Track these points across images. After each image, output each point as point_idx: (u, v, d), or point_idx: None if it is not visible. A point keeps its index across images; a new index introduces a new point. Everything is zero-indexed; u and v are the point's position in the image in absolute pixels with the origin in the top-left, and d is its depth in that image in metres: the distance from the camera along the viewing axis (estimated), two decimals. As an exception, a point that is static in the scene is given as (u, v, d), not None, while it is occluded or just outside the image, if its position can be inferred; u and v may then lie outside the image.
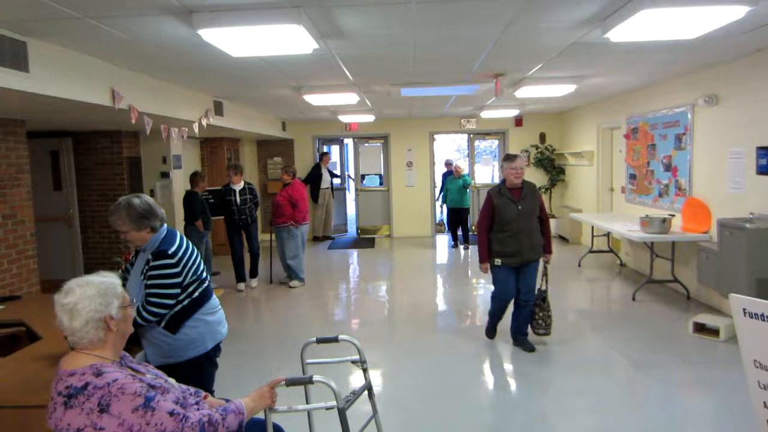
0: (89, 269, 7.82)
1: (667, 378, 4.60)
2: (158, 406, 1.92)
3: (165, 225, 3.07)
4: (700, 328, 5.48)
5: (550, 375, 4.70)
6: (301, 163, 12.67)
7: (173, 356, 3.01)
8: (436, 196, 12.69)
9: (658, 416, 3.94)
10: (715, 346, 5.21)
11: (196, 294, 3.04)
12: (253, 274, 8.20)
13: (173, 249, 2.95)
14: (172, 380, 2.29)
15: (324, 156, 12.49)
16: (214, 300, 3.20)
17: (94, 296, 2.00)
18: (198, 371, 3.09)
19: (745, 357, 1.93)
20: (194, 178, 7.88)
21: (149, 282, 2.91)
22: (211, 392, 3.11)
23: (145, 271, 2.94)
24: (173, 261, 2.92)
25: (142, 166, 8.57)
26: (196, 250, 3.16)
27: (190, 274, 3.00)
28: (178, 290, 2.95)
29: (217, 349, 3.21)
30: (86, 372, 1.92)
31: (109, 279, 2.11)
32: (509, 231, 4.98)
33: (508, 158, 5.03)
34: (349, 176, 13.75)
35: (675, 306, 6.54)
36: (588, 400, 4.22)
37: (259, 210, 8.89)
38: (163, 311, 2.92)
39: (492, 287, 5.28)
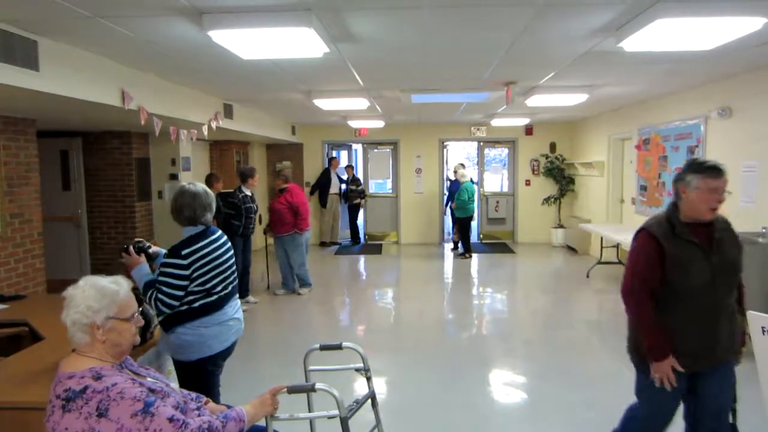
0: (96, 270, 7.83)
1: (676, 393, 4.52)
2: (158, 412, 1.89)
3: (200, 226, 3.09)
4: (710, 343, 5.39)
5: (557, 387, 4.63)
6: (310, 168, 12.69)
7: (166, 350, 3.13)
8: (445, 203, 12.60)
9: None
10: (725, 361, 5.12)
11: (196, 305, 3.02)
12: (246, 292, 7.29)
13: (187, 251, 2.96)
14: (173, 384, 2.26)
15: (332, 160, 12.45)
16: (221, 315, 3.12)
17: (84, 300, 1.95)
18: (187, 377, 3.12)
19: (762, 377, 1.85)
20: (209, 179, 7.76)
21: (160, 271, 2.97)
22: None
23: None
24: (184, 263, 2.93)
25: (151, 167, 8.58)
26: (219, 263, 3.09)
27: (195, 284, 2.98)
28: (182, 293, 2.95)
29: (208, 362, 3.12)
30: (85, 375, 1.90)
31: (114, 286, 2.03)
32: (696, 307, 2.68)
33: (706, 170, 2.67)
34: (347, 185, 13.08)
35: (685, 320, 6.44)
36: (595, 413, 4.15)
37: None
38: (165, 310, 2.96)
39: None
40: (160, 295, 2.92)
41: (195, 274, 2.96)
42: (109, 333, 1.98)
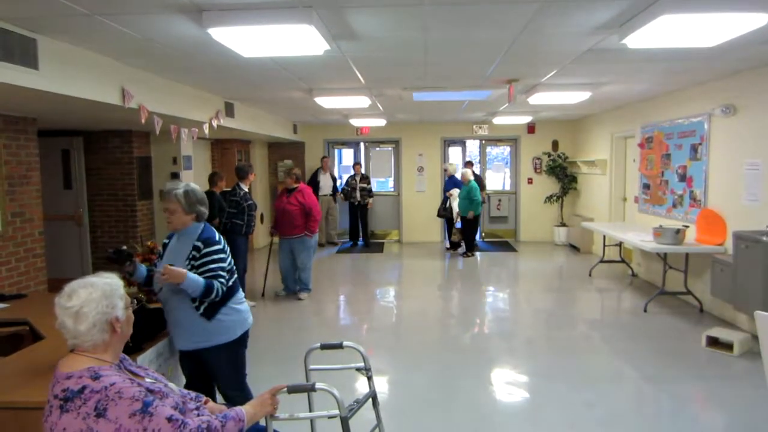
0: (97, 269, 7.80)
1: (678, 392, 4.50)
2: (156, 412, 1.87)
3: (203, 222, 3.34)
4: (713, 341, 5.37)
5: (559, 386, 4.61)
6: (311, 167, 12.64)
7: (206, 341, 3.21)
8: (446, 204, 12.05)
9: (668, 431, 3.85)
10: (728, 360, 5.10)
11: (230, 283, 3.26)
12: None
13: (217, 237, 3.26)
14: (172, 384, 2.25)
15: (323, 160, 12.04)
16: (241, 292, 3.44)
17: (100, 298, 1.96)
18: (232, 354, 3.33)
19: None
20: (213, 178, 7.73)
21: (206, 266, 3.12)
22: (245, 375, 3.45)
23: (192, 256, 3.14)
24: (221, 246, 3.22)
25: (153, 166, 8.57)
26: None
27: (226, 264, 3.26)
28: (226, 274, 3.21)
29: (246, 335, 3.44)
30: (83, 375, 1.88)
31: (112, 280, 2.07)
32: None
33: None
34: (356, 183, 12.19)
35: (687, 319, 6.43)
36: (597, 412, 4.13)
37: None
38: (222, 290, 3.14)
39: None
40: (222, 280, 3.14)
41: (227, 256, 3.28)
42: (124, 324, 2.05)
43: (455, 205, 10.83)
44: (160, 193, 8.59)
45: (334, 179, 12.16)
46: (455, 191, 10.82)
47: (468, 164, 11.60)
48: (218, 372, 3.34)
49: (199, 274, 3.08)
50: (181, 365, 3.45)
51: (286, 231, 7.38)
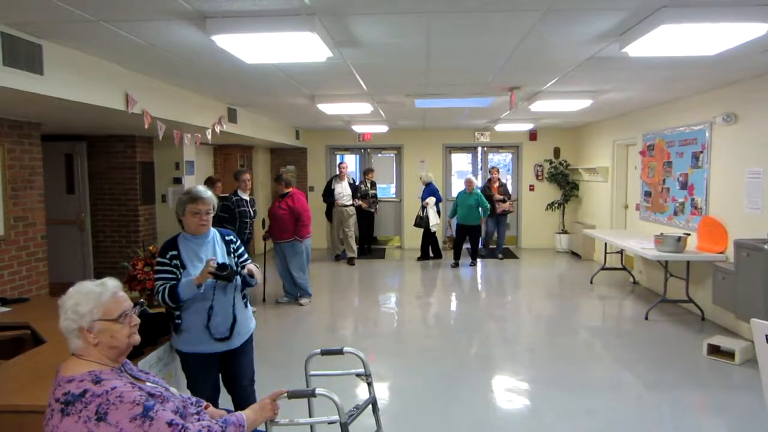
0: (99, 273, 7.83)
1: (679, 400, 4.50)
2: (157, 416, 1.88)
3: None
4: (714, 350, 5.37)
5: (560, 394, 4.61)
6: (314, 172, 12.67)
7: (249, 329, 3.40)
8: (449, 213, 11.31)
9: None
10: (730, 369, 5.10)
11: None
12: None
13: None
14: (173, 389, 2.25)
15: (340, 166, 10.93)
16: None
17: (74, 304, 1.96)
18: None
19: (766, 384, 1.82)
20: (208, 182, 7.71)
21: (243, 256, 3.38)
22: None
23: (232, 250, 3.33)
24: None
25: (155, 171, 8.60)
26: None
27: None
28: None
29: None
30: (85, 379, 1.89)
31: (97, 289, 2.02)
32: None
33: None
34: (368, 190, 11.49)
35: (689, 327, 6.42)
36: (598, 420, 4.13)
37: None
38: None
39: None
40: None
41: None
42: (100, 335, 1.98)
43: (431, 213, 10.70)
44: (162, 198, 8.62)
45: (353, 187, 10.96)
46: (431, 200, 10.72)
47: (493, 170, 11.31)
48: (249, 361, 3.46)
49: (241, 262, 3.34)
50: (209, 373, 3.29)
51: (277, 236, 7.36)
